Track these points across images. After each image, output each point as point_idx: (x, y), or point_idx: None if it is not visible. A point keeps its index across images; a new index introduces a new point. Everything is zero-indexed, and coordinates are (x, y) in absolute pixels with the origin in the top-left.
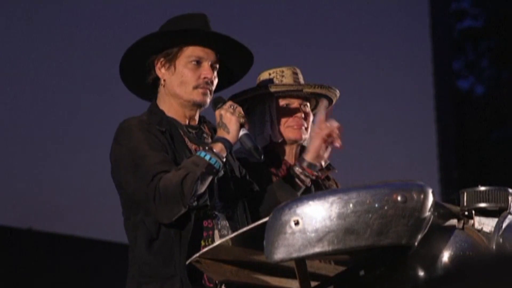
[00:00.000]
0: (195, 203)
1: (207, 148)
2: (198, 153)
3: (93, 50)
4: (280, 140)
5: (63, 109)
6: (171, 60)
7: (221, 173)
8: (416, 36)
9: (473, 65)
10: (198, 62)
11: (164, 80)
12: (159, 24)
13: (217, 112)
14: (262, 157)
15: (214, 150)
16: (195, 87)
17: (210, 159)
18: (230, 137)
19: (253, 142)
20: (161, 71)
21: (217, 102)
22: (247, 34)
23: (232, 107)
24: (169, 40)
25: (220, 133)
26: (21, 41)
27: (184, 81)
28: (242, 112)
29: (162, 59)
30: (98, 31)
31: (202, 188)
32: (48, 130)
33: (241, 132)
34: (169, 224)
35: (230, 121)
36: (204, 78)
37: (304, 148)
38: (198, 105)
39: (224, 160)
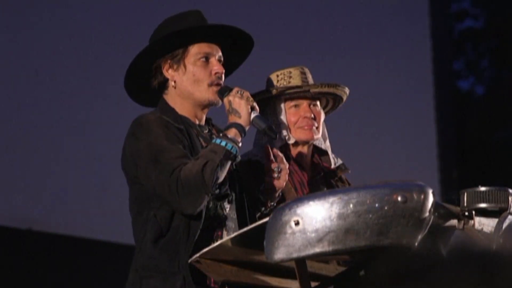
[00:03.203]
0: (217, 191)
1: (221, 135)
2: (213, 141)
3: (97, 51)
4: (292, 141)
5: (64, 109)
6: (179, 60)
7: (239, 158)
8: (416, 36)
9: (474, 65)
10: (207, 58)
11: (175, 81)
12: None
13: (225, 100)
14: (277, 135)
15: (229, 136)
16: (210, 85)
17: (226, 145)
18: (242, 121)
19: (266, 122)
20: (170, 73)
21: (224, 91)
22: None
23: (239, 92)
24: (174, 41)
25: (232, 118)
26: (26, 41)
27: (197, 79)
28: (251, 97)
29: (169, 61)
30: (100, 32)
31: (222, 175)
32: (48, 131)
33: (253, 115)
34: (179, 222)
35: (240, 105)
36: (216, 73)
37: (317, 149)
38: (212, 104)
39: (240, 144)
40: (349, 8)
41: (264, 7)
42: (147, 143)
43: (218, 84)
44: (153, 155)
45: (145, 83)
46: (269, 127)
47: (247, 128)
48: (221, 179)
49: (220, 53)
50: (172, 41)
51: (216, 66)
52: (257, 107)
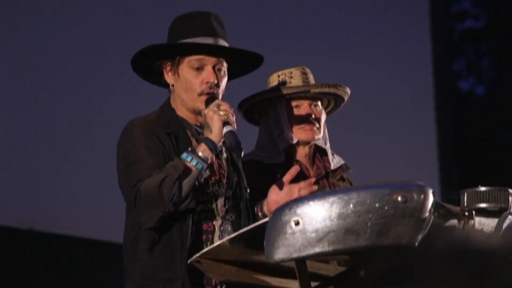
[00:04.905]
0: (180, 206)
1: (190, 149)
2: (182, 156)
3: (99, 51)
4: (294, 142)
5: (64, 109)
6: (175, 67)
7: (206, 174)
8: (416, 36)
9: (474, 65)
10: (199, 68)
11: (172, 85)
12: (167, 18)
13: (203, 112)
14: (242, 153)
15: (198, 152)
16: (200, 94)
17: (191, 160)
18: (213, 136)
19: (236, 139)
20: (169, 76)
21: (208, 102)
22: (251, 35)
23: (216, 105)
24: (170, 51)
25: (205, 133)
26: (25, 40)
27: (189, 87)
28: (228, 110)
29: (168, 64)
30: (102, 30)
31: (184, 191)
32: (48, 131)
33: (225, 129)
34: (170, 227)
35: (212, 120)
36: (207, 82)
37: (319, 149)
38: (200, 113)
39: (209, 161)
40: (350, 8)
41: (265, 7)
42: (124, 152)
43: (208, 93)
44: (126, 165)
45: (155, 75)
46: (236, 144)
47: (219, 144)
48: (184, 194)
49: (216, 61)
50: (167, 50)
51: (208, 75)
52: (233, 121)
